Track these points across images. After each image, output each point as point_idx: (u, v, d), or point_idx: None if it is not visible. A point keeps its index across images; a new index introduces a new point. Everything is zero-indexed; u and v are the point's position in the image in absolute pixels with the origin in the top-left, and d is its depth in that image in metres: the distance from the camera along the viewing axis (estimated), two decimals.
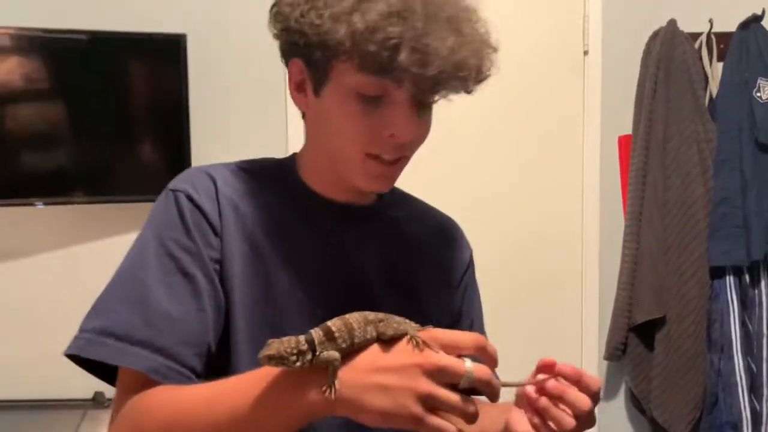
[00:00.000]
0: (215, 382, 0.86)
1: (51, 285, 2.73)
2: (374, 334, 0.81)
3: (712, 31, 2.90)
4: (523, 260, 3.05)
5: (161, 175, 2.51)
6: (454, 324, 1.15)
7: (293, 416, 0.80)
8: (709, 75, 2.90)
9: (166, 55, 2.65)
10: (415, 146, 1.00)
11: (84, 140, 2.63)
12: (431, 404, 0.77)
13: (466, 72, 0.91)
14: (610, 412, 3.07)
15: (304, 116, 1.05)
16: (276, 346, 0.77)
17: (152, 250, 0.95)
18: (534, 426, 0.88)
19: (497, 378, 0.83)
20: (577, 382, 0.88)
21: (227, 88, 2.81)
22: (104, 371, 0.93)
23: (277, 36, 0.99)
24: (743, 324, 2.83)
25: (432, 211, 1.21)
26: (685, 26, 2.88)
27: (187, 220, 0.96)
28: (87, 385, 2.54)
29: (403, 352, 0.79)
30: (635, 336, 2.92)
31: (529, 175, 3.03)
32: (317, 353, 0.78)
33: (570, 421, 0.86)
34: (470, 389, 0.80)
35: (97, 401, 2.64)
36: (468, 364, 0.79)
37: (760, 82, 2.80)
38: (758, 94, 2.80)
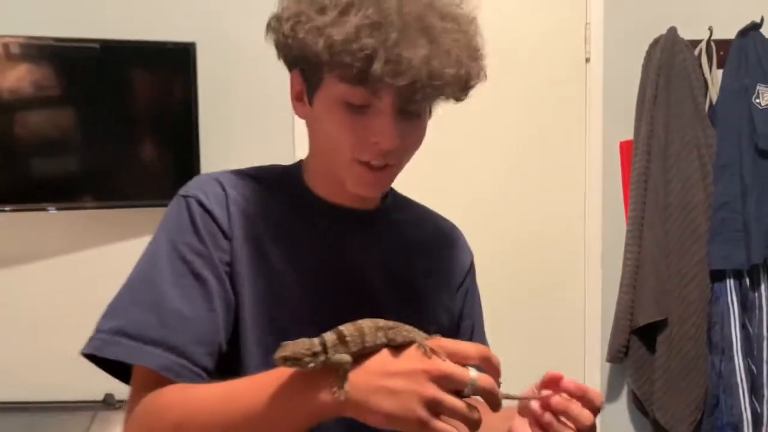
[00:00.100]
0: (228, 382, 0.87)
1: (62, 288, 2.74)
2: (384, 340, 0.83)
3: (712, 38, 2.91)
4: (528, 264, 3.06)
5: (171, 181, 2.56)
6: (454, 325, 1.17)
7: (304, 416, 0.82)
8: (709, 81, 2.91)
9: (175, 63, 2.67)
10: (407, 152, 1.02)
11: (95, 146, 2.65)
12: (436, 409, 0.79)
13: (440, 81, 0.92)
14: (612, 413, 3.07)
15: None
16: (291, 347, 0.79)
17: (165, 253, 0.97)
18: None
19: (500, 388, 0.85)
20: (581, 397, 0.90)
21: (235, 96, 2.82)
22: (119, 370, 0.95)
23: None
24: (743, 326, 2.83)
25: (434, 216, 1.23)
26: (685, 34, 2.89)
27: (198, 224, 0.98)
28: (97, 387, 2.57)
29: (411, 358, 0.81)
30: (637, 338, 2.92)
31: (532, 180, 3.04)
32: (329, 355, 0.80)
33: None
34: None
35: (108, 403, 2.64)
36: (472, 373, 0.81)
37: (759, 88, 2.81)
38: (757, 101, 2.81)
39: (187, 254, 0.97)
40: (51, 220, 2.71)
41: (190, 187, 1.03)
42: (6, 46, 2.51)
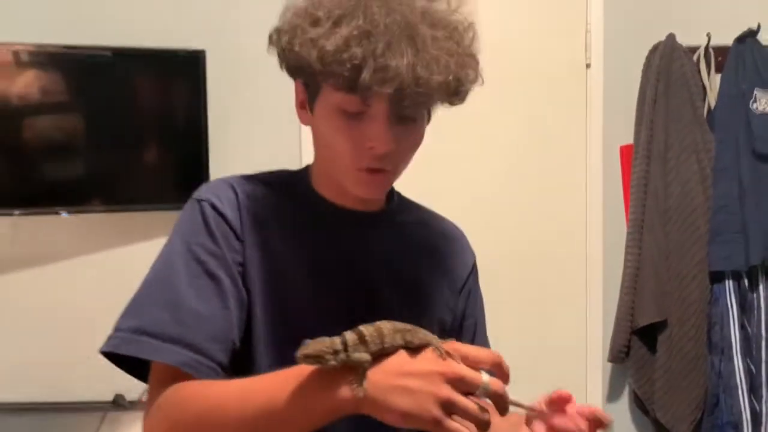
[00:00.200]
0: (247, 378, 0.90)
1: (72, 290, 2.76)
2: (402, 342, 0.85)
3: (710, 44, 2.92)
4: (530, 266, 3.07)
5: (181, 186, 2.58)
6: (456, 325, 1.20)
7: (323, 411, 0.84)
8: (708, 87, 2.93)
9: (185, 70, 2.70)
10: (404, 155, 1.04)
11: (106, 152, 2.68)
12: (450, 409, 0.81)
13: (427, 88, 0.94)
14: (614, 413, 3.00)
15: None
16: (313, 345, 0.82)
17: (180, 255, 1.00)
18: None
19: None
20: (589, 420, 0.94)
21: (244, 103, 2.84)
22: (136, 368, 0.98)
23: None
24: (742, 327, 2.85)
25: (437, 218, 1.25)
26: (684, 40, 2.91)
27: (211, 226, 1.01)
28: (107, 387, 2.55)
29: (427, 360, 0.84)
30: (638, 339, 2.94)
31: (534, 184, 3.05)
32: (349, 354, 0.82)
33: None
34: None
35: (117, 404, 2.61)
36: (485, 377, 0.83)
37: (757, 93, 2.83)
38: (755, 105, 2.83)
39: (201, 255, 1.00)
40: (63, 223, 2.72)
41: (204, 191, 1.06)
42: (17, 53, 2.54)
